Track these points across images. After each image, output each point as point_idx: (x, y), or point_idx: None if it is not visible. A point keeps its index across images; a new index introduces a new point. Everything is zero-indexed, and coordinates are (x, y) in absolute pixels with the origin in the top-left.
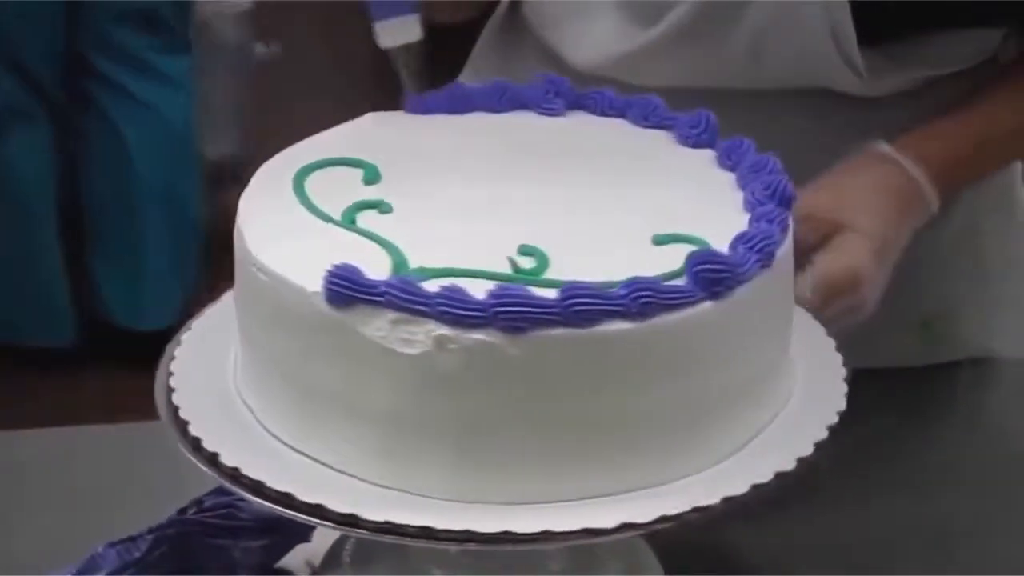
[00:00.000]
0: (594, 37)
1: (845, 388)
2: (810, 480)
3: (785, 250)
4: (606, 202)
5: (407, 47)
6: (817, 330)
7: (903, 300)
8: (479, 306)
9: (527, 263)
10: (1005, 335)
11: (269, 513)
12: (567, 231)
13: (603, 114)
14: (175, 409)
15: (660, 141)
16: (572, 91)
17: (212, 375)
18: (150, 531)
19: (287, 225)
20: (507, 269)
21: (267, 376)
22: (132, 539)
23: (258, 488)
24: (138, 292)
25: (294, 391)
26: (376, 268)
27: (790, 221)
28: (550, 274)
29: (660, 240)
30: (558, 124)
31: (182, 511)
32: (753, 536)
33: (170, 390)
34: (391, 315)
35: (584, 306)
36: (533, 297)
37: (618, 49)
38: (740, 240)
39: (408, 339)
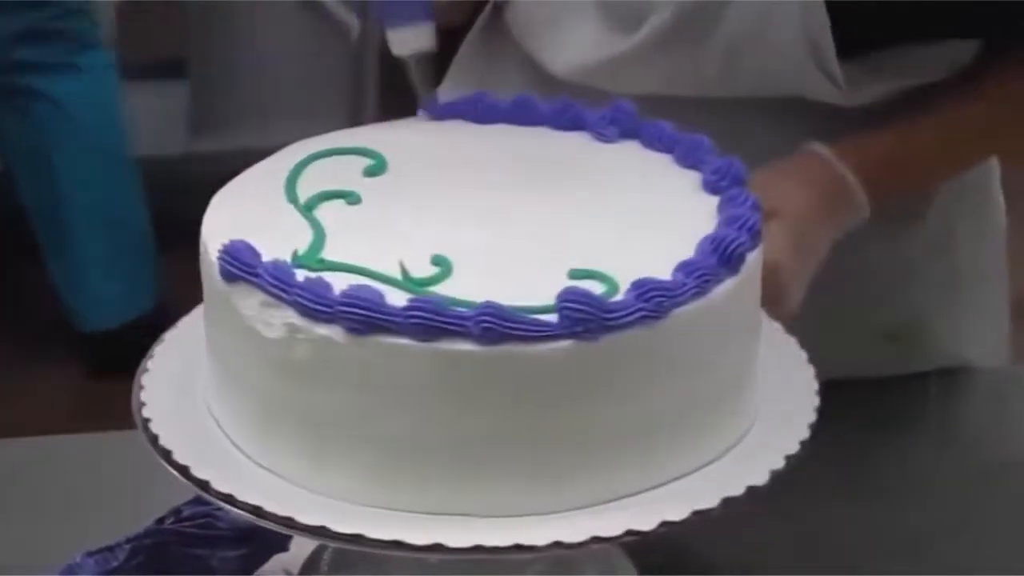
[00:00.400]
0: (573, 44)
1: (817, 401)
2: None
3: (736, 281)
4: (559, 227)
5: (419, 55)
6: (789, 342)
7: (875, 309)
8: (329, 302)
9: (427, 272)
10: (977, 344)
11: (247, 522)
12: (495, 249)
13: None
14: (147, 421)
15: (661, 166)
16: (631, 118)
17: (184, 387)
18: (128, 540)
19: (256, 208)
20: (421, 273)
21: (227, 384)
22: (110, 548)
23: (230, 499)
24: (74, 294)
25: (249, 399)
26: (282, 251)
27: (746, 250)
28: (444, 286)
29: (575, 275)
30: (574, 143)
31: (160, 520)
32: (726, 540)
33: (141, 404)
34: (260, 296)
35: (428, 321)
36: (381, 304)
37: (596, 56)
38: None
39: (269, 323)
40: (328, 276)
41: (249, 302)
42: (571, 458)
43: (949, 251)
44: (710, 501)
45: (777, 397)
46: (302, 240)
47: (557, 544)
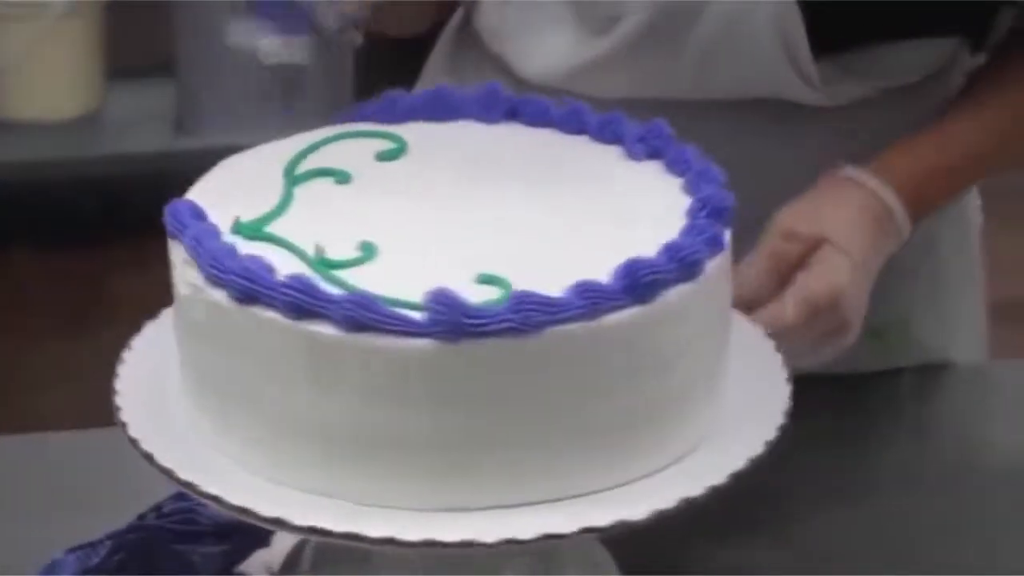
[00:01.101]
0: (546, 49)
1: (789, 388)
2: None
3: (645, 310)
4: (513, 228)
5: (288, 66)
6: (755, 332)
7: None
8: (224, 269)
9: (348, 255)
10: (957, 341)
11: (228, 518)
12: (430, 243)
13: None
14: (125, 425)
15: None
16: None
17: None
18: (109, 537)
19: (251, 175)
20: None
21: (185, 367)
22: (91, 545)
23: (216, 499)
24: None
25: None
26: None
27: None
28: (353, 272)
29: (481, 278)
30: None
31: (141, 516)
32: (707, 540)
33: (117, 408)
34: (183, 255)
35: (297, 300)
36: (263, 276)
37: (569, 61)
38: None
39: (184, 281)
40: (252, 246)
41: (176, 259)
42: (487, 456)
43: (931, 250)
44: (696, 489)
45: (748, 390)
46: (263, 209)
47: (547, 536)
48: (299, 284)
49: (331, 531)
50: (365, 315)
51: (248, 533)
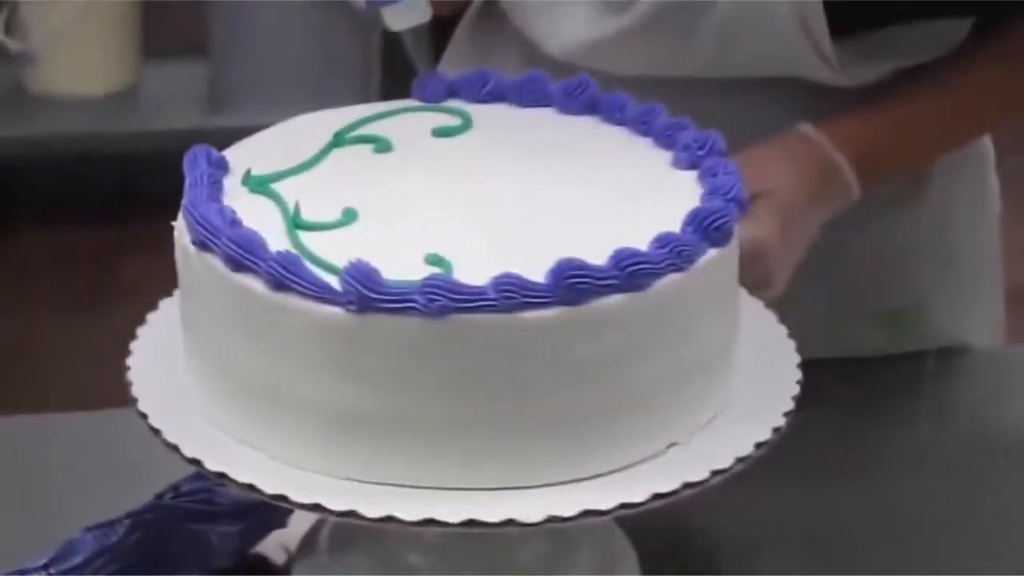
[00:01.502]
0: (567, 25)
1: (799, 374)
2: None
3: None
4: (504, 208)
5: (415, 29)
6: (769, 317)
7: (873, 290)
8: (207, 228)
9: (329, 217)
10: (973, 325)
11: (246, 498)
12: (414, 216)
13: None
14: (135, 400)
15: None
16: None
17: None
18: (127, 516)
19: (300, 136)
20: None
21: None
22: (109, 523)
23: (223, 477)
24: None
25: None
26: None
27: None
28: (325, 235)
29: (430, 259)
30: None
31: (159, 496)
32: (724, 522)
33: (128, 383)
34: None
35: (236, 253)
36: (210, 222)
37: (589, 36)
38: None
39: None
40: (252, 200)
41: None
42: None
43: (947, 233)
44: (700, 473)
45: (758, 373)
46: (286, 166)
47: (551, 519)
48: (241, 238)
49: (331, 509)
50: (287, 276)
51: (265, 514)
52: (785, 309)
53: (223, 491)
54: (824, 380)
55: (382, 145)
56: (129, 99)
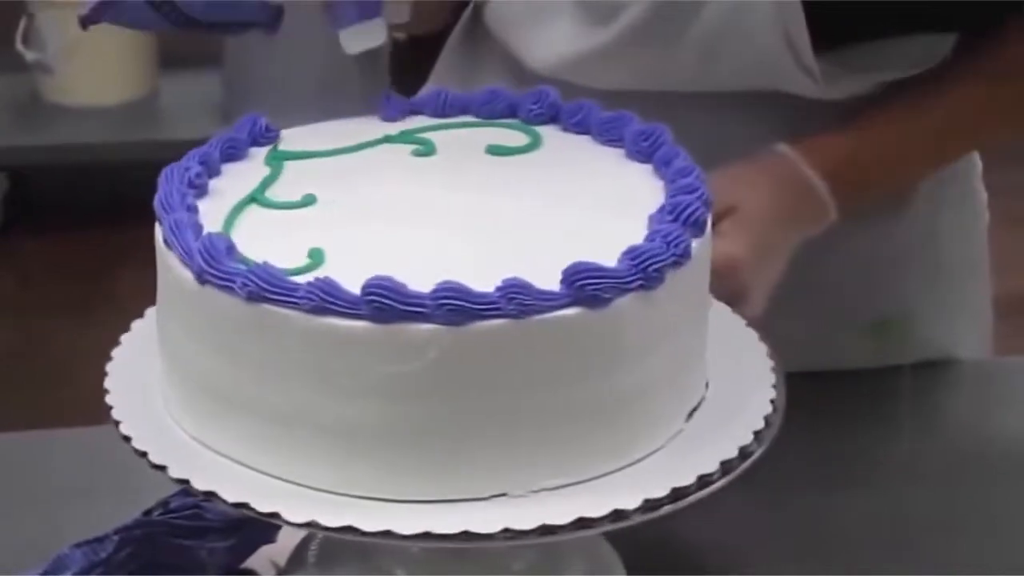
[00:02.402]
0: (550, 39)
1: (774, 378)
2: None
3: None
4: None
5: (372, 52)
6: (738, 323)
7: (861, 301)
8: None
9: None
10: (962, 337)
11: (235, 514)
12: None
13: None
14: (118, 423)
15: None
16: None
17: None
18: (116, 532)
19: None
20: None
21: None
22: (99, 540)
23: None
24: None
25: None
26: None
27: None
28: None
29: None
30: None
31: (148, 512)
32: (710, 535)
33: (108, 406)
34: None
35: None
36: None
37: (572, 50)
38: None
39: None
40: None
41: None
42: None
43: (934, 244)
44: (687, 479)
45: (734, 380)
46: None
47: (544, 528)
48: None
49: (327, 525)
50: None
51: (255, 529)
52: (772, 320)
53: (212, 506)
54: (813, 392)
55: (426, 148)
56: (145, 109)
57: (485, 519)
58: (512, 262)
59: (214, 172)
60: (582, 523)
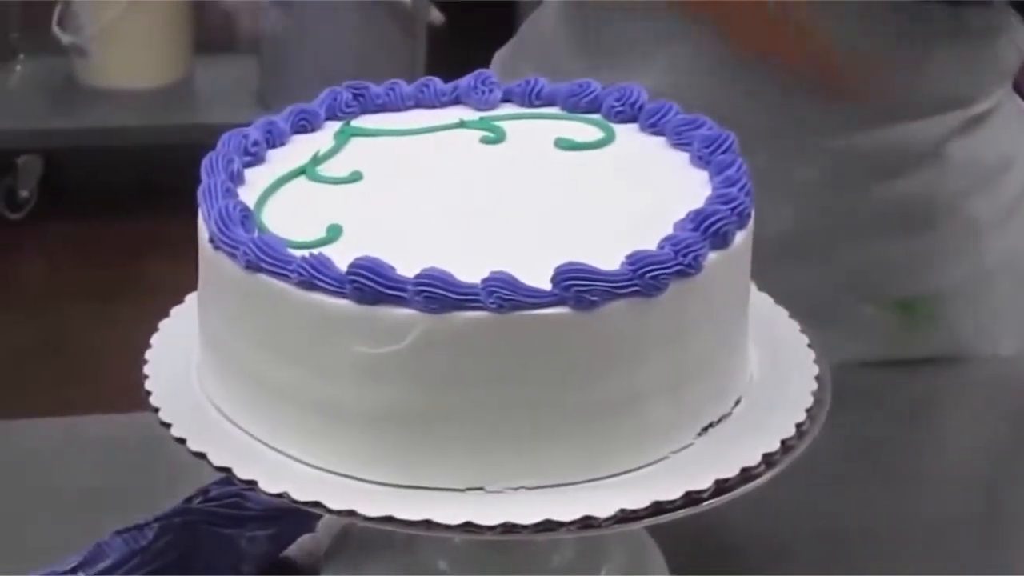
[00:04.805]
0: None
1: (816, 370)
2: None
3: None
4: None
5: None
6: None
7: (900, 294)
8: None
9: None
10: (1001, 333)
11: (276, 503)
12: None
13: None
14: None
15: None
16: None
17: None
18: (156, 519)
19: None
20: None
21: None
22: (139, 527)
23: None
24: None
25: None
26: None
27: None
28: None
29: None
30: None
31: (188, 500)
32: (749, 533)
33: (147, 392)
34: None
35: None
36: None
37: None
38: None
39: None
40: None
41: None
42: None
43: (972, 231)
44: (730, 471)
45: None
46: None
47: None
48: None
49: (365, 515)
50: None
51: (295, 518)
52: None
53: (253, 495)
54: (853, 384)
55: (496, 137)
56: (180, 93)
57: (526, 511)
58: (519, 255)
59: (278, 141)
60: (623, 514)
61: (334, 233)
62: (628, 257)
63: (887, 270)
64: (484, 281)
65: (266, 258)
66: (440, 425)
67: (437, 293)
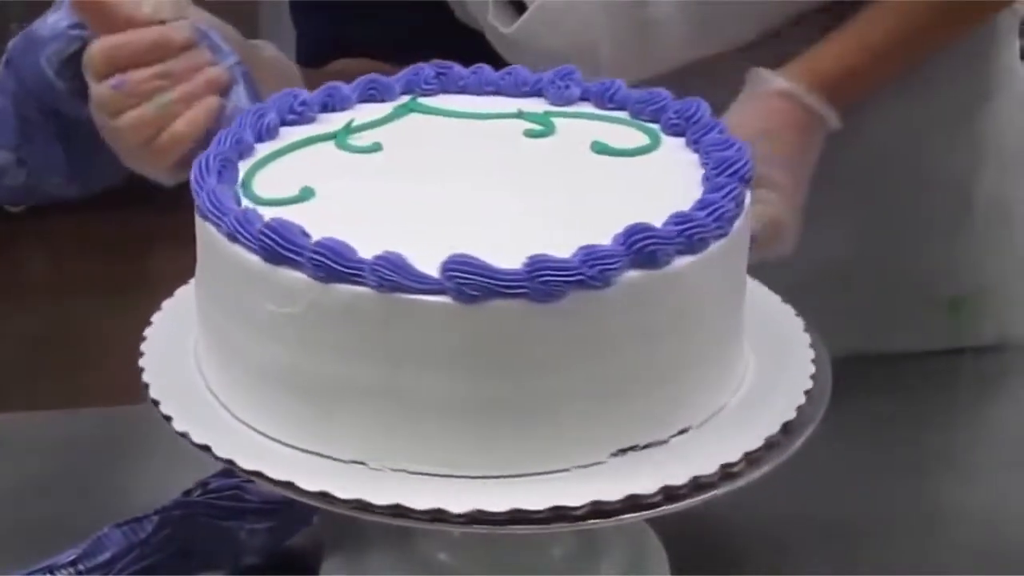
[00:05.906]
0: None
1: (813, 353)
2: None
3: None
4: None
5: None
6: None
7: (938, 282)
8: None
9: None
10: None
11: (275, 495)
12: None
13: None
14: (157, 402)
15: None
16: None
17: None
18: (156, 512)
19: None
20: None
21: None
22: (138, 520)
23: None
24: None
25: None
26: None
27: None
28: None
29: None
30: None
31: (188, 493)
32: (754, 521)
33: (145, 385)
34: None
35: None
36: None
37: None
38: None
39: None
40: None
41: None
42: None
43: (1010, 227)
44: (732, 455)
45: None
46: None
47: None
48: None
49: (374, 504)
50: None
51: (294, 511)
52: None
53: (252, 488)
54: (866, 375)
55: (541, 131)
56: None
57: (535, 497)
58: (478, 243)
59: (339, 106)
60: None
61: (306, 194)
62: (529, 259)
63: (939, 276)
64: (374, 258)
65: (212, 210)
66: (476, 412)
67: (324, 263)
